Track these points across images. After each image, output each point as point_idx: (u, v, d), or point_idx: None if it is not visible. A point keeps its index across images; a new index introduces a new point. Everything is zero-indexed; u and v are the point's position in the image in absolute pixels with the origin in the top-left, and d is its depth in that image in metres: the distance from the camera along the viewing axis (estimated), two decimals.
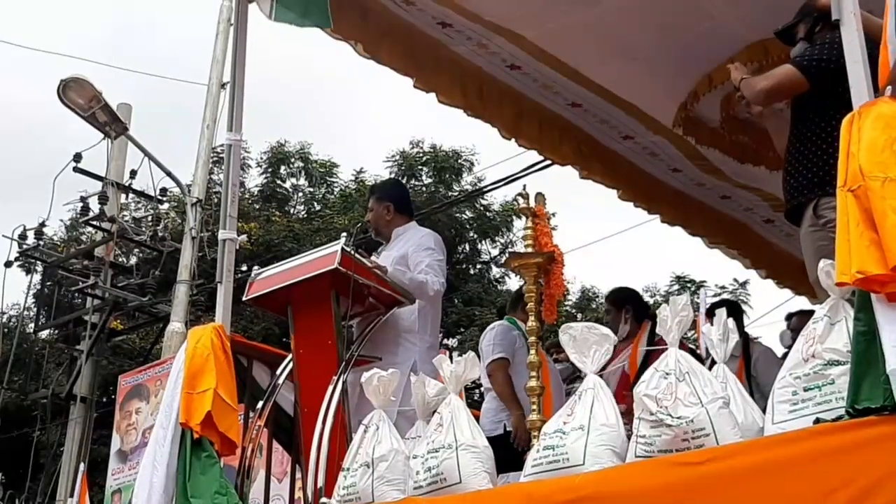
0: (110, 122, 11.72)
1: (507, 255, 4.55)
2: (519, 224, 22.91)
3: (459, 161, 22.30)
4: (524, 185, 4.62)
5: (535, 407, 4.39)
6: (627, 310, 6.52)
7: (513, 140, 6.66)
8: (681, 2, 5.69)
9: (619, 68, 6.32)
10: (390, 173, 21.72)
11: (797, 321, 7.01)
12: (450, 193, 21.36)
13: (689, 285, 21.07)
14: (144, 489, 4.91)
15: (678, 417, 3.54)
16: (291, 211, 22.99)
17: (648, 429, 3.61)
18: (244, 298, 5.35)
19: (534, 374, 4.42)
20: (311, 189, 23.32)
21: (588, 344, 3.98)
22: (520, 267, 4.55)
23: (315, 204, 22.94)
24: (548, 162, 11.81)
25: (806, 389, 3.37)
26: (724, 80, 6.17)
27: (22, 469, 15.47)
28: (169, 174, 12.40)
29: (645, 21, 5.86)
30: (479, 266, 22.64)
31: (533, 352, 4.44)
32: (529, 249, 4.51)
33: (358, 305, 5.12)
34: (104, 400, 16.33)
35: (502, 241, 23.01)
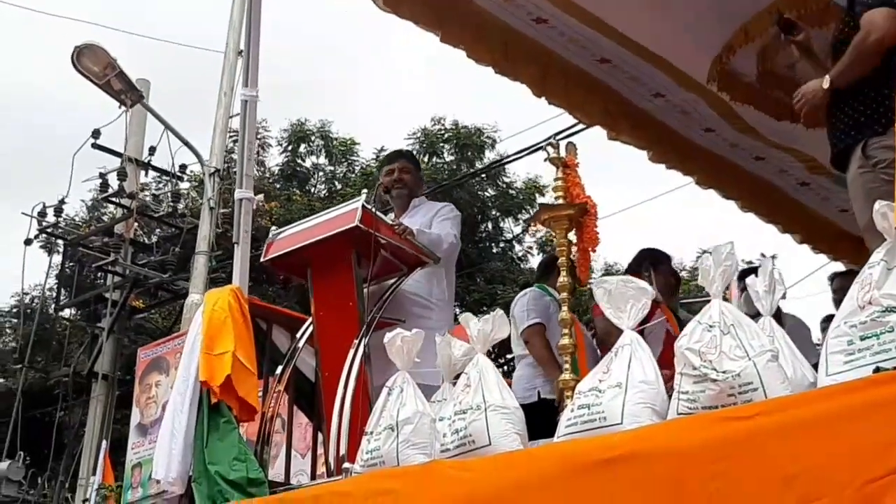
0: (126, 91, 11.52)
1: (536, 208, 4.28)
2: (543, 201, 22.77)
3: (482, 138, 22.01)
4: (553, 135, 4.37)
5: (567, 366, 4.18)
6: (646, 268, 6.27)
7: (542, 98, 6.40)
8: None
9: (651, 21, 6.04)
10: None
11: (840, 282, 6.77)
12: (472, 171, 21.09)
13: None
14: (164, 458, 4.76)
15: (723, 372, 3.32)
16: (312, 190, 22.77)
17: (691, 384, 3.39)
18: (262, 260, 5.15)
19: (566, 331, 4.20)
20: (332, 168, 23.08)
21: (624, 298, 3.77)
22: (550, 220, 4.31)
23: (336, 183, 22.70)
24: (568, 133, 11.85)
25: (862, 338, 3.13)
26: (760, 31, 5.93)
27: (45, 449, 15.36)
28: (186, 143, 12.20)
29: None
30: (501, 244, 22.42)
31: (565, 308, 4.22)
32: (560, 201, 4.29)
33: (379, 265, 4.89)
34: (127, 378, 16.18)
35: (525, 218, 22.76)
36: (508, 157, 17.11)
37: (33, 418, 18.07)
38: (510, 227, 22.44)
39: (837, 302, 6.81)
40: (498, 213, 22.16)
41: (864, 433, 2.81)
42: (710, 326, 3.46)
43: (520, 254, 22.86)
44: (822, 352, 3.27)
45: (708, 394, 3.32)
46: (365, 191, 4.90)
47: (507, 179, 21.83)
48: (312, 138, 22.74)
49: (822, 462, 2.84)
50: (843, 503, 2.72)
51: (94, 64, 11.36)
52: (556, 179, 4.35)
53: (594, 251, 4.38)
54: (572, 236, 4.37)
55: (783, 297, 3.71)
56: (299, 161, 22.71)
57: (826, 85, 4.15)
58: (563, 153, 4.35)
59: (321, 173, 23.09)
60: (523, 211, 22.37)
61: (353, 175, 22.47)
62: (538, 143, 12.93)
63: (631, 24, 6.15)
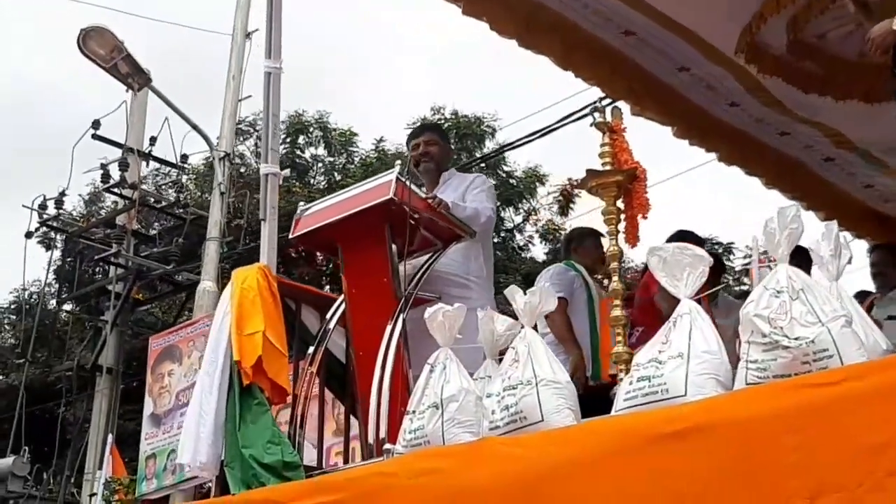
0: (133, 74, 11.29)
1: (585, 173, 4.06)
2: (542, 191, 22.62)
3: (482, 127, 21.82)
4: (599, 99, 4.21)
5: (619, 338, 4.01)
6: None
7: (568, 71, 6.21)
8: None
9: None
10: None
11: (878, 255, 6.63)
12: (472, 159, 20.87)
13: (716, 247, 20.57)
14: (191, 441, 4.57)
15: (796, 338, 3.17)
16: (311, 181, 22.55)
17: (761, 353, 3.23)
18: (290, 237, 4.96)
19: (617, 302, 4.03)
20: (331, 159, 22.84)
21: (681, 266, 3.62)
22: (598, 186, 4.14)
23: (335, 174, 22.45)
24: (568, 122, 11.68)
25: None
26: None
27: (48, 446, 15.20)
28: (195, 127, 11.96)
29: None
30: (502, 233, 22.23)
31: (616, 278, 4.04)
32: (608, 167, 4.12)
33: (414, 241, 4.71)
34: (129, 372, 16.02)
35: (525, 208, 22.60)
36: (507, 145, 16.83)
37: (35, 414, 17.92)
38: (511, 216, 22.25)
39: (876, 276, 6.71)
40: (498, 203, 21.91)
41: None
42: (778, 292, 3.31)
43: (521, 243, 22.67)
44: None
45: (780, 362, 3.17)
46: (398, 163, 4.72)
47: (507, 168, 21.62)
48: (311, 129, 22.51)
49: None
50: None
51: (101, 47, 11.15)
52: (602, 145, 4.17)
53: (645, 217, 4.21)
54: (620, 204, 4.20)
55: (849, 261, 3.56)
56: (298, 152, 22.48)
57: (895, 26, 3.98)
58: (609, 118, 4.17)
59: (320, 164, 22.87)
60: (524, 200, 22.22)
61: (353, 166, 22.24)
62: (536, 132, 12.79)
63: None
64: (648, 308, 3.89)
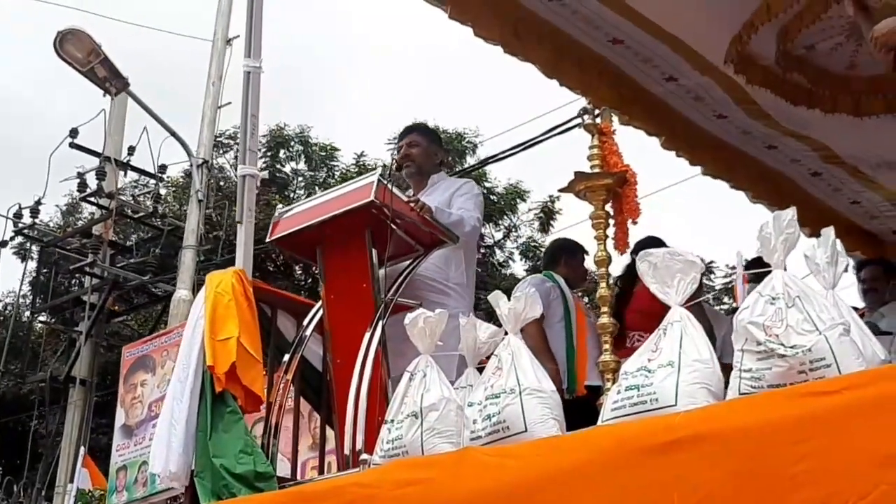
0: (110, 78, 11.12)
1: (574, 176, 3.93)
2: (523, 207, 22.53)
3: (463, 143, 21.72)
4: (588, 102, 4.09)
5: (607, 347, 3.87)
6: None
7: (554, 81, 6.08)
8: None
9: None
10: (392, 156, 21.09)
11: (869, 272, 6.53)
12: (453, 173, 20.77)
13: None
14: (162, 449, 4.41)
15: (792, 347, 3.04)
16: (292, 196, 22.39)
17: (755, 361, 3.11)
18: (268, 240, 4.81)
19: (605, 309, 3.90)
20: (312, 173, 22.70)
21: (671, 272, 3.50)
22: (586, 189, 4.01)
23: (316, 188, 22.26)
24: (552, 134, 11.55)
25: None
26: (784, 8, 5.67)
27: (19, 458, 15.00)
28: (173, 133, 11.80)
29: None
30: (483, 249, 22.10)
31: (603, 285, 3.91)
32: (597, 170, 3.99)
33: (395, 245, 4.56)
34: (106, 383, 15.83)
35: (506, 224, 22.51)
36: (488, 158, 16.71)
37: (6, 426, 17.71)
38: (491, 232, 22.12)
39: (865, 292, 6.61)
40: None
41: None
42: (774, 299, 3.19)
43: (501, 259, 22.55)
44: None
45: (775, 371, 3.05)
46: (381, 164, 4.57)
47: (488, 184, 21.46)
48: (292, 143, 22.39)
49: None
50: None
51: (78, 50, 10.97)
52: (591, 147, 4.05)
53: (635, 223, 4.08)
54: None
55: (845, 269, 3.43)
56: (278, 166, 22.32)
57: None
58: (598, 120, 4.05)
59: (300, 178, 22.72)
60: (504, 216, 22.12)
61: (333, 180, 22.04)
62: (517, 146, 12.66)
63: (646, 2, 5.86)
64: (650, 311, 3.74)
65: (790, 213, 3.32)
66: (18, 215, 14.36)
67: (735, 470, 2.79)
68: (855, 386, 2.73)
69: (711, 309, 6.36)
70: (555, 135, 11.37)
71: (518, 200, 22.21)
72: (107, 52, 11.11)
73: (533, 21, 5.93)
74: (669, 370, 3.27)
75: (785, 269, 3.28)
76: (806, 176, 7.40)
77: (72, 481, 12.20)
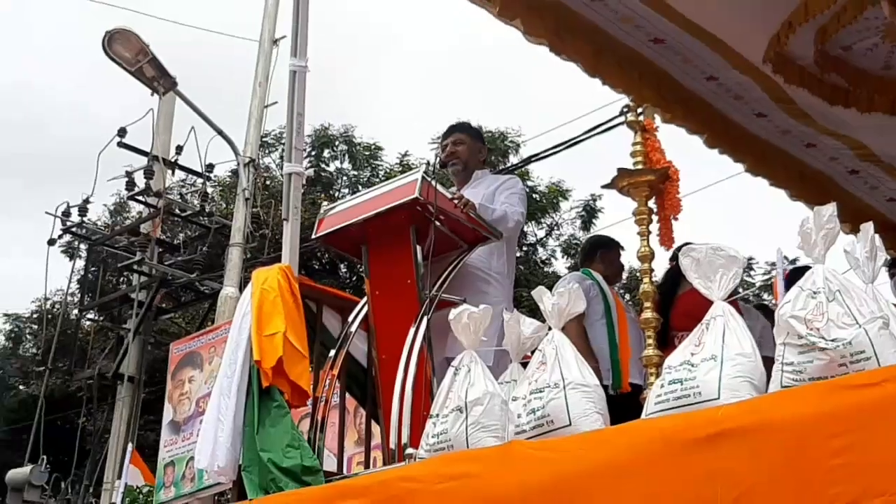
0: (158, 78, 11.19)
1: (616, 173, 3.94)
2: (565, 205, 22.49)
3: (505, 143, 21.68)
4: (630, 100, 4.10)
5: (650, 341, 3.88)
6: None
7: (597, 80, 6.10)
8: None
9: None
10: (436, 155, 21.08)
11: None
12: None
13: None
14: (209, 445, 4.46)
15: (832, 340, 3.06)
16: (336, 195, 22.48)
17: (797, 355, 3.12)
18: (314, 236, 4.85)
19: (648, 304, 3.91)
20: (356, 172, 22.76)
21: (714, 267, 3.50)
22: (629, 186, 4.03)
23: (360, 187, 22.37)
24: (591, 135, 11.53)
25: None
26: (822, 9, 5.65)
27: (67, 455, 15.13)
28: (220, 132, 11.86)
29: None
30: (524, 248, 22.09)
31: (647, 280, 3.92)
32: (639, 167, 4.00)
33: (439, 242, 4.59)
34: (153, 380, 15.95)
35: (548, 222, 22.48)
36: (530, 157, 16.69)
37: (55, 424, 17.87)
38: (533, 230, 22.11)
39: None
40: None
41: None
42: (815, 293, 3.20)
43: (543, 257, 22.52)
44: None
45: (816, 364, 3.06)
46: (425, 162, 4.61)
47: (530, 183, 21.43)
48: (336, 143, 22.47)
49: None
50: None
51: (126, 50, 11.05)
52: (634, 144, 4.06)
53: (677, 219, 4.09)
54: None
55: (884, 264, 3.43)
56: (323, 165, 22.42)
57: None
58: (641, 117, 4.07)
59: (345, 178, 22.80)
60: (546, 215, 22.08)
61: (378, 180, 22.13)
62: (557, 146, 12.66)
63: (686, 2, 5.87)
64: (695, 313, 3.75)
65: (830, 208, 3.32)
66: (67, 214, 14.45)
67: (776, 462, 2.80)
68: (894, 378, 2.73)
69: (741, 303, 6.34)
70: (597, 133, 11.33)
71: (560, 199, 22.15)
72: (155, 52, 11.22)
73: (576, 21, 5.96)
74: (712, 364, 3.28)
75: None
76: (844, 174, 7.37)
77: (119, 478, 12.26)
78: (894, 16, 4.23)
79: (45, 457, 14.00)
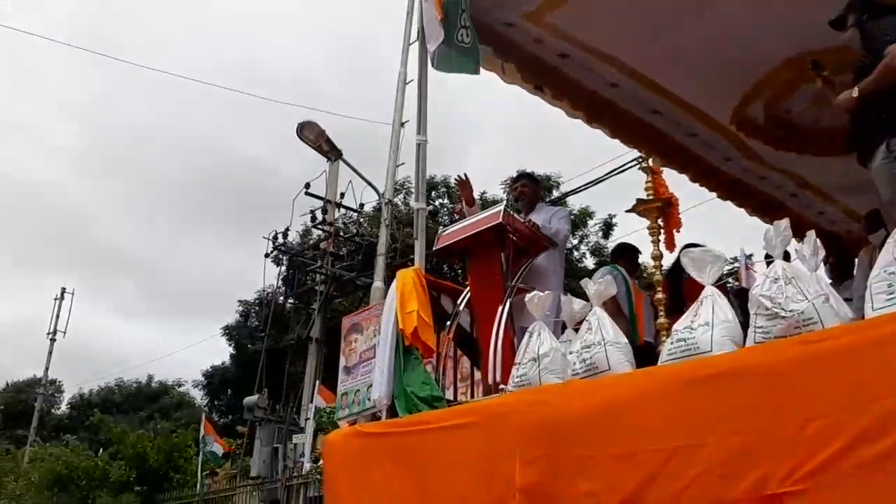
0: (330, 150, 11.41)
1: (635, 202, 3.83)
2: (591, 223, 22.19)
3: (549, 182, 21.45)
4: (640, 155, 3.96)
5: (662, 312, 3.74)
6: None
7: (617, 140, 5.98)
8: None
9: (685, 77, 5.59)
10: (508, 194, 20.88)
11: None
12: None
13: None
14: (376, 384, 4.43)
15: (790, 311, 2.89)
16: (439, 220, 22.40)
17: (765, 321, 2.96)
18: (434, 248, 4.79)
19: (659, 289, 3.78)
20: (452, 205, 22.71)
21: (704, 263, 3.34)
22: (644, 210, 3.90)
23: (455, 216, 22.29)
24: (611, 175, 11.34)
25: None
26: (770, 88, 5.51)
27: (279, 388, 15.43)
28: (370, 184, 12.03)
29: (711, 45, 5.15)
30: (564, 251, 21.81)
31: (657, 273, 3.79)
32: (651, 196, 3.87)
33: (515, 251, 4.51)
34: (331, 342, 16.12)
35: (579, 234, 22.22)
36: (567, 192, 16.45)
37: (272, 369, 18.19)
38: (570, 240, 21.86)
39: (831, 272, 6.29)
40: None
41: None
42: (776, 279, 3.03)
43: (576, 258, 22.24)
44: (867, 293, 2.83)
45: (779, 327, 2.90)
46: (501, 198, 4.53)
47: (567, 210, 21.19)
48: (439, 186, 22.48)
49: (879, 370, 2.42)
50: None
51: (310, 134, 11.29)
52: (646, 181, 3.93)
53: (678, 231, 3.95)
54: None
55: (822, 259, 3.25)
56: (430, 201, 22.42)
57: (855, 94, 3.63)
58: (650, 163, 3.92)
59: (445, 209, 22.77)
60: (578, 229, 21.84)
61: None
62: (583, 185, 12.58)
63: (675, 84, 5.72)
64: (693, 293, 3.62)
65: (785, 222, 3.16)
66: (275, 238, 14.83)
67: (756, 393, 2.68)
68: (833, 336, 2.61)
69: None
70: (613, 174, 11.18)
71: (588, 218, 21.92)
72: (329, 135, 11.43)
73: (602, 101, 5.84)
74: (706, 328, 3.14)
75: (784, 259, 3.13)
76: (787, 196, 7.10)
77: (311, 402, 12.47)
78: (825, 88, 4.02)
79: (266, 389, 14.30)
